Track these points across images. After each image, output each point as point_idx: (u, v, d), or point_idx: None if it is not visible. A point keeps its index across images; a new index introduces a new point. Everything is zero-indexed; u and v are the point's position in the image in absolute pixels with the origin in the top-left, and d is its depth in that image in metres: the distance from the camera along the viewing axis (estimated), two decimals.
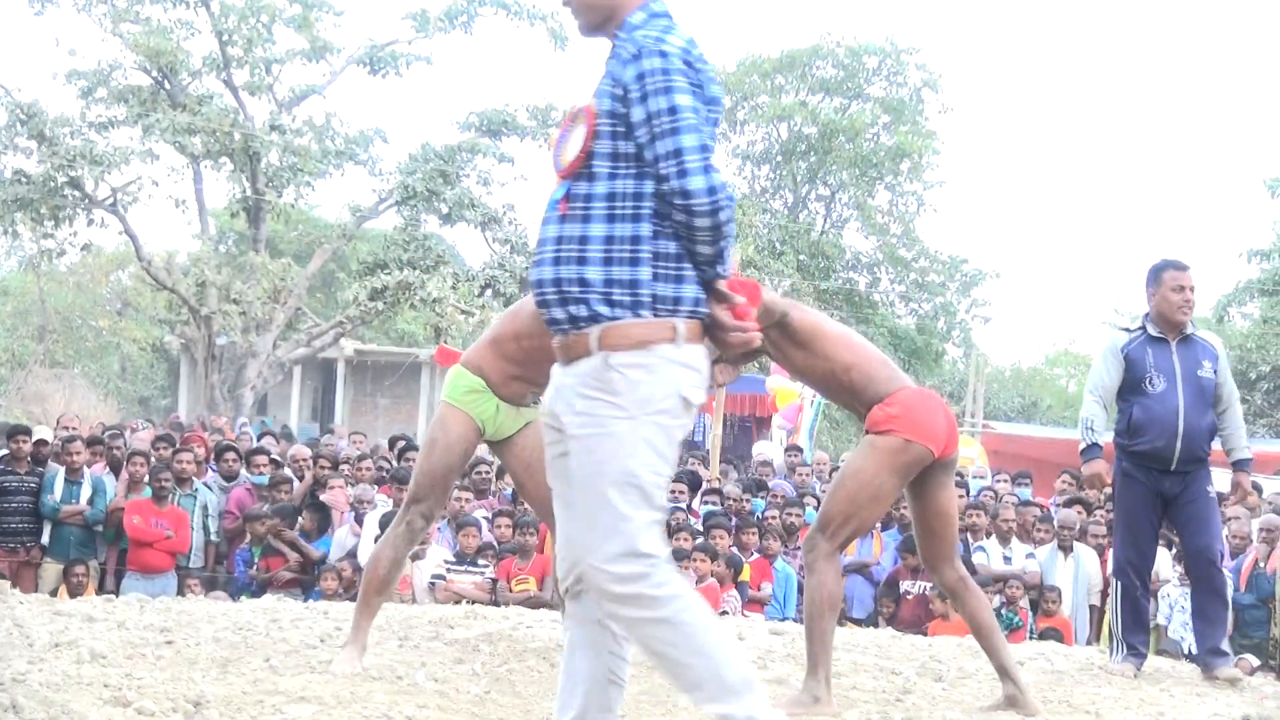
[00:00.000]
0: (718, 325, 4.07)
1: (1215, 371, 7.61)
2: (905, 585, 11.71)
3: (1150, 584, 7.93)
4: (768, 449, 20.44)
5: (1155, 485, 7.62)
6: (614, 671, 4.20)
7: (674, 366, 3.99)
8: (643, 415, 3.97)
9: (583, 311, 4.03)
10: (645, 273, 3.98)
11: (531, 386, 6.40)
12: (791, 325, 6.00)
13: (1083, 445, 7.77)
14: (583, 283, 4.01)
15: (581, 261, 4.01)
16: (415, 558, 11.23)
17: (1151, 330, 7.71)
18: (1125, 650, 7.68)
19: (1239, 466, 7.68)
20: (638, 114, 3.97)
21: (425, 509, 6.44)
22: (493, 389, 6.34)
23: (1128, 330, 7.89)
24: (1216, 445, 7.73)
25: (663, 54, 3.97)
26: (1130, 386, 7.67)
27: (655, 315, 3.99)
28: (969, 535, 12.52)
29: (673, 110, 3.93)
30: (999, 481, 16.08)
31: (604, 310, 4.00)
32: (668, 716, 5.65)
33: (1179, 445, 7.50)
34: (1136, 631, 7.75)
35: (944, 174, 59.17)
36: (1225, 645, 7.60)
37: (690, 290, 4.02)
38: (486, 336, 6.49)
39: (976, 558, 11.91)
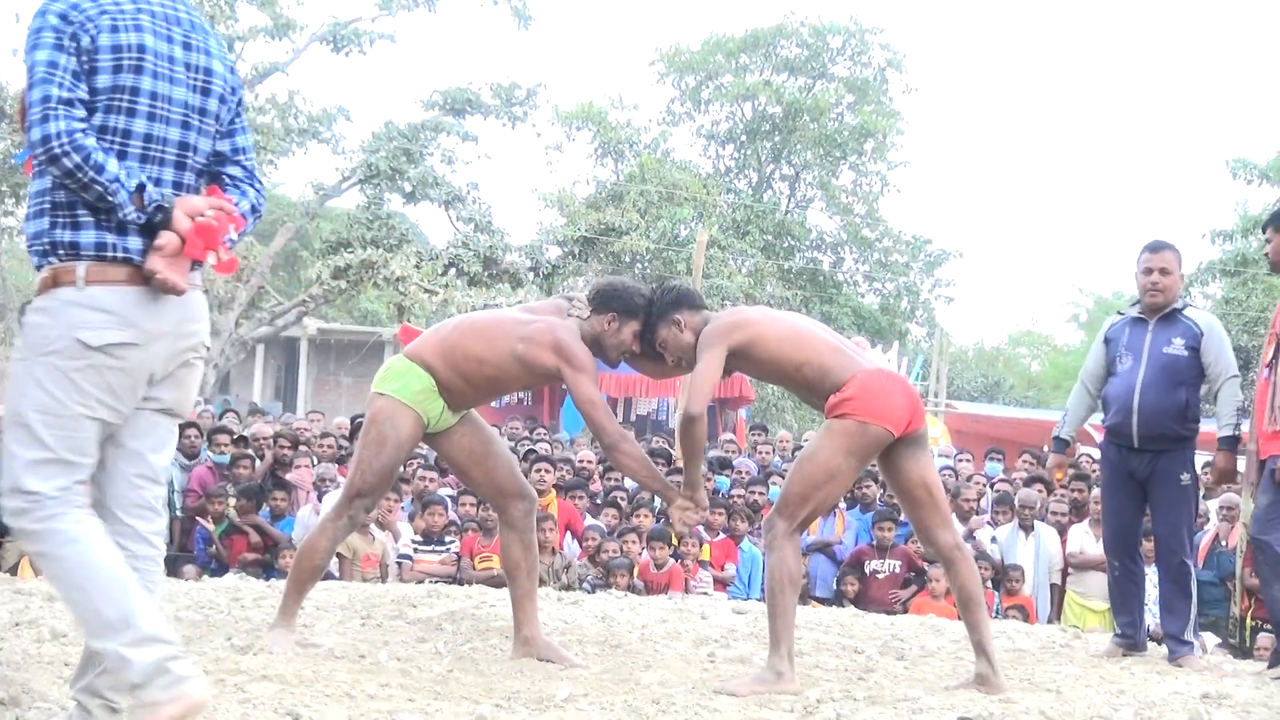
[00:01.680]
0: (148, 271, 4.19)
1: (1189, 349, 7.51)
2: (873, 565, 11.72)
3: (1133, 565, 7.83)
4: None
5: (1125, 464, 7.65)
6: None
7: (72, 309, 4.12)
8: (35, 357, 4.12)
9: (33, 264, 4.24)
10: (46, 222, 4.15)
11: (475, 401, 6.48)
12: (735, 350, 6.13)
13: (1054, 435, 7.97)
14: (27, 236, 4.22)
15: (28, 217, 4.23)
16: (391, 534, 11.22)
17: (1133, 312, 7.79)
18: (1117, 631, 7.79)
19: (1220, 444, 7.53)
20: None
21: (369, 503, 6.45)
22: (440, 390, 6.29)
23: (1121, 314, 7.98)
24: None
25: (41, 13, 4.12)
26: (1109, 367, 7.79)
27: (61, 261, 4.14)
28: None
29: (30, 68, 4.07)
30: (961, 461, 16.13)
31: (37, 260, 4.20)
32: (630, 694, 5.65)
33: (1135, 421, 7.50)
34: (1118, 613, 7.83)
35: (908, 154, 59.34)
36: (1189, 634, 7.57)
37: (89, 235, 4.14)
38: (442, 339, 6.39)
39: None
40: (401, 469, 11.99)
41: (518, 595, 6.60)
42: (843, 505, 12.62)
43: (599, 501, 12.41)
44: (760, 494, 12.59)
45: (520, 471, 6.72)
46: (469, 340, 6.31)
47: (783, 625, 5.98)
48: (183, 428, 13.21)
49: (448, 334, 6.39)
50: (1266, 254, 7.48)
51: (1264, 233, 7.44)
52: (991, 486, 13.78)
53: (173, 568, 11.01)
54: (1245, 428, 7.71)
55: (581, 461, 13.73)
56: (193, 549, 11.79)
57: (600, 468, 13.62)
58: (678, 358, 6.35)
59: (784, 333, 6.19)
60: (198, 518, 11.84)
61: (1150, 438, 7.52)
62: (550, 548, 10.71)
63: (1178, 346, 7.52)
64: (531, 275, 30.69)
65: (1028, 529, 12.09)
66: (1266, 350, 7.29)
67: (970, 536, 11.97)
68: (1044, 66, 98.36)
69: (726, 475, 13.79)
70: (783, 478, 12.97)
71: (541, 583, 10.17)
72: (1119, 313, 8.05)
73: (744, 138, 40.81)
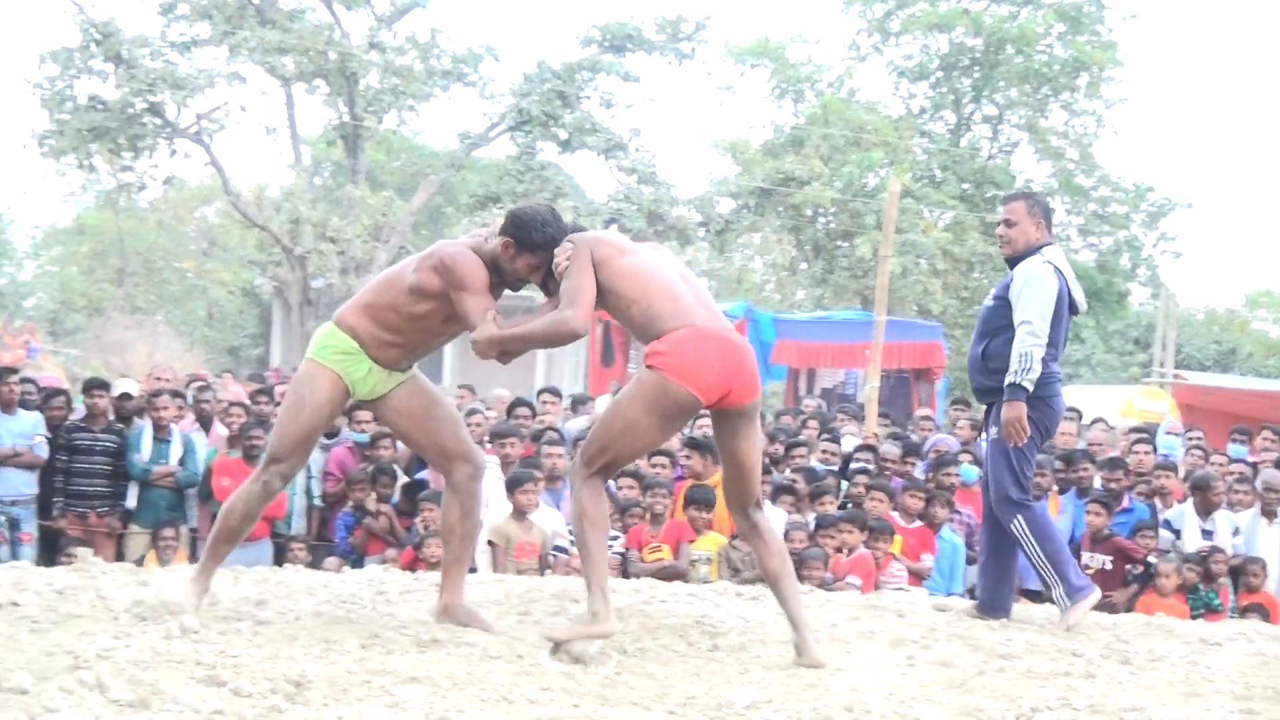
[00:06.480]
0: None
1: (996, 299, 7.97)
2: (1084, 558, 11.51)
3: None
4: None
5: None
6: None
7: None
8: None
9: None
10: None
11: (409, 354, 6.84)
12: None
13: None
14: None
15: None
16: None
17: None
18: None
19: (1004, 393, 7.78)
20: None
21: (286, 469, 6.86)
22: (366, 351, 6.70)
23: None
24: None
25: None
26: None
27: None
28: (1157, 500, 12.31)
29: None
30: (1192, 440, 15.69)
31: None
32: (819, 700, 5.65)
33: (970, 379, 8.20)
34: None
35: (1127, 90, 58.35)
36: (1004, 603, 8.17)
37: None
38: (361, 299, 6.81)
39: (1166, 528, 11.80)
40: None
41: (448, 560, 7.01)
42: (1055, 488, 12.44)
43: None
44: (954, 475, 12.40)
45: (466, 433, 7.13)
46: (381, 292, 6.76)
47: (591, 566, 6.35)
48: None
49: (366, 292, 6.84)
50: None
51: None
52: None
53: (315, 559, 11.16)
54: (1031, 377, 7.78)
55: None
56: (332, 538, 11.87)
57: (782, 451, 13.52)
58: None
59: (628, 266, 6.49)
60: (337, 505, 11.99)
61: (978, 392, 8.22)
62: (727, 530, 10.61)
63: (989, 298, 8.09)
64: (701, 231, 30.71)
65: (1271, 515, 11.84)
66: None
67: (1208, 534, 11.76)
68: None
69: (910, 463, 13.35)
70: (970, 455, 12.87)
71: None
72: None
73: (939, 73, 40.39)
